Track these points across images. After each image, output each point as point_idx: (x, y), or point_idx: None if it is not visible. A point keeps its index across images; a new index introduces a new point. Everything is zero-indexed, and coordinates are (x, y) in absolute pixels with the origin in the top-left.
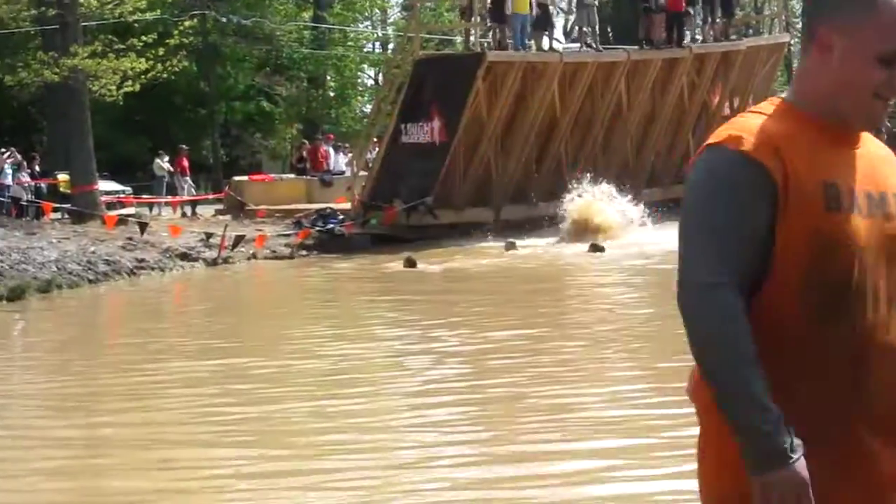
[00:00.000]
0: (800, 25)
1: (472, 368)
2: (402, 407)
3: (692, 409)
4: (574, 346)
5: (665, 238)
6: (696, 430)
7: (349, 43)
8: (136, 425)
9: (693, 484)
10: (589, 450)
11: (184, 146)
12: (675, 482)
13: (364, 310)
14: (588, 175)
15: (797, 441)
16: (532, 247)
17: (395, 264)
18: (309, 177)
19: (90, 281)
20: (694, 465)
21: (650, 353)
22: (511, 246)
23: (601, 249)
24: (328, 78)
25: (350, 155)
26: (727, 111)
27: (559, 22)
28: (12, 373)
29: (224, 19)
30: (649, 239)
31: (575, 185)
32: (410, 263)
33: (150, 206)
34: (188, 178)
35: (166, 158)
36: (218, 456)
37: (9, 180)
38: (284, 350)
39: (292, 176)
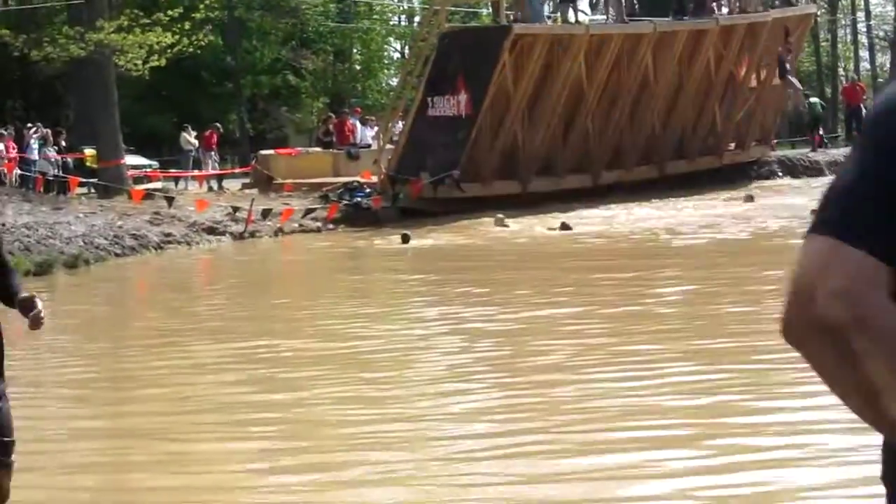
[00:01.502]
0: None
1: (507, 350)
2: (433, 394)
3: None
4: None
5: None
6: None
7: (375, 16)
8: (160, 415)
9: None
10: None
11: (217, 124)
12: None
13: (391, 286)
14: None
15: None
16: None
17: (420, 241)
18: (335, 150)
19: (117, 255)
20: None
21: (685, 334)
22: (500, 222)
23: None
24: (354, 51)
25: (376, 128)
26: (754, 83)
27: None
28: (39, 356)
29: None
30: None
31: None
32: (405, 239)
33: (177, 180)
34: (213, 152)
35: (193, 133)
36: (244, 449)
37: (35, 155)
38: (310, 331)
39: (318, 149)
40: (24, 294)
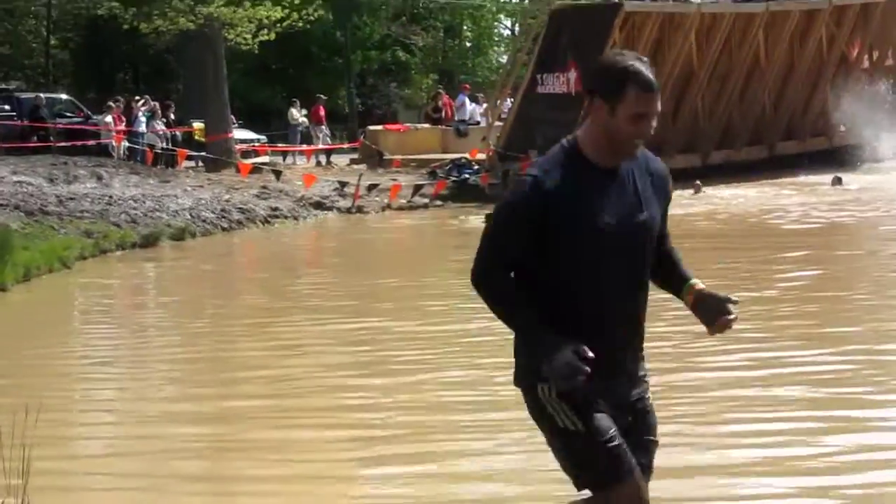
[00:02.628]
0: None
1: None
2: None
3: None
4: None
5: None
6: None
7: None
8: (261, 398)
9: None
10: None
11: (322, 96)
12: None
13: None
14: None
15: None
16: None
17: None
18: (444, 126)
19: (223, 229)
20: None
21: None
22: None
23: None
24: (464, 28)
25: (485, 105)
26: (866, 64)
27: None
28: (145, 333)
29: None
30: None
31: None
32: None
33: (285, 154)
34: (324, 126)
35: (301, 108)
36: (345, 437)
37: (143, 128)
38: (416, 313)
39: (427, 125)
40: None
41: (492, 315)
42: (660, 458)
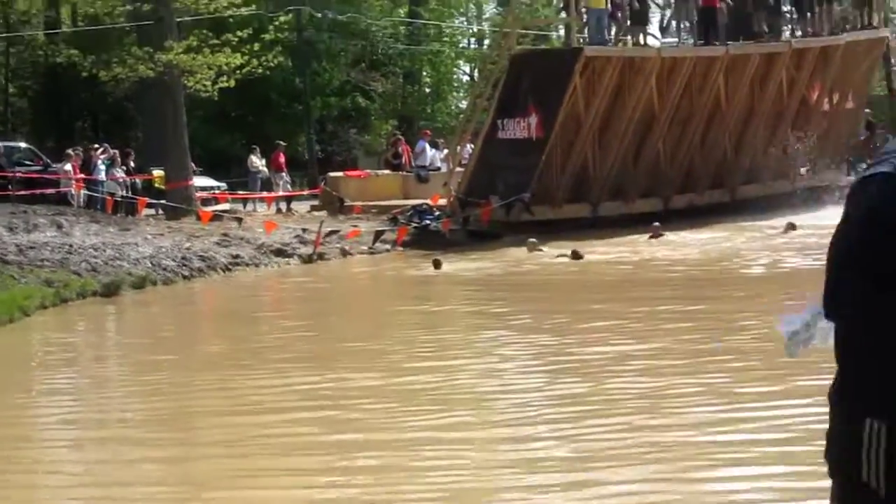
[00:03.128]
0: None
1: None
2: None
3: None
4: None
5: None
6: None
7: (444, 39)
8: (226, 457)
9: None
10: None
11: (281, 142)
12: None
13: (463, 314)
14: None
15: None
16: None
17: (489, 262)
18: (404, 172)
19: (185, 277)
20: None
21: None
22: (533, 247)
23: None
24: (423, 74)
25: (446, 150)
26: (826, 107)
27: (655, 17)
28: (106, 389)
29: (319, 15)
30: None
31: None
32: (437, 265)
33: (245, 201)
34: (284, 173)
35: (261, 155)
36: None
37: (103, 176)
38: (381, 364)
39: (388, 172)
40: None
41: (451, 366)
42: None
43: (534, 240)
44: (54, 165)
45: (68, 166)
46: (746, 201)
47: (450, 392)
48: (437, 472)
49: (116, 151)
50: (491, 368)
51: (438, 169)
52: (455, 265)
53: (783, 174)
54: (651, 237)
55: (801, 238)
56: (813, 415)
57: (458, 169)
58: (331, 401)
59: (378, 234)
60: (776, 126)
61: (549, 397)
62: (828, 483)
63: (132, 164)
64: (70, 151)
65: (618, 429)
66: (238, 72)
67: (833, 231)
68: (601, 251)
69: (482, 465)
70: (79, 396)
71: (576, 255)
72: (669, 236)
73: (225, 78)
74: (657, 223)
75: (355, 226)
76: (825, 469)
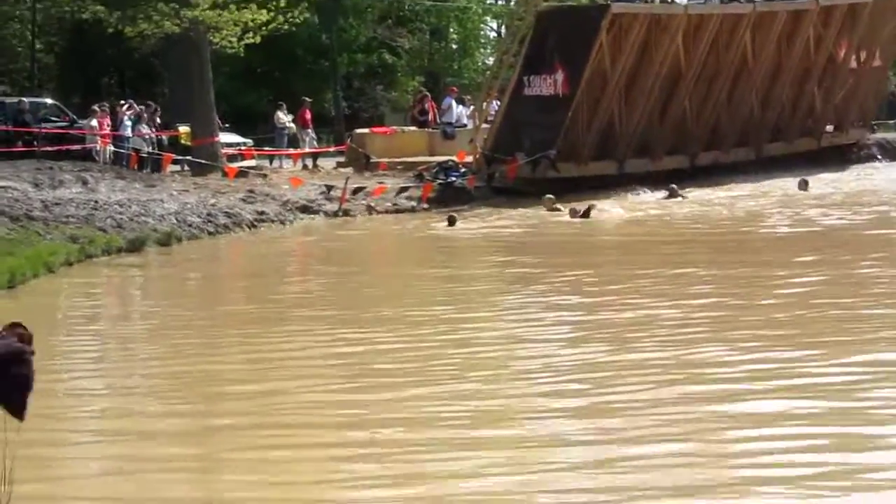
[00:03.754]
0: None
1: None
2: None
3: None
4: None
5: None
6: None
7: None
8: (249, 414)
9: None
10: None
11: (307, 98)
12: None
13: (484, 276)
14: None
15: None
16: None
17: (507, 220)
18: (431, 129)
19: (210, 233)
20: None
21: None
22: (551, 204)
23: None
24: (450, 30)
25: (472, 107)
26: (854, 65)
27: None
28: (130, 345)
29: None
30: None
31: None
32: (451, 221)
33: (271, 158)
34: (310, 130)
35: (287, 111)
36: (326, 457)
37: (128, 132)
38: (402, 324)
39: (414, 128)
40: None
41: (478, 324)
42: (660, 477)
43: (551, 196)
44: (80, 122)
45: (94, 122)
46: (772, 159)
47: (469, 358)
48: (462, 427)
49: (143, 107)
50: (513, 334)
51: (465, 126)
52: (470, 223)
53: (809, 132)
54: (668, 196)
55: (824, 196)
56: (841, 372)
57: (485, 126)
58: (349, 358)
59: (402, 190)
60: (803, 83)
61: (571, 364)
62: (863, 451)
63: (158, 120)
64: (96, 107)
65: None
66: (264, 28)
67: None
68: (620, 208)
69: (507, 418)
70: (104, 353)
71: (582, 213)
72: (695, 192)
73: (251, 34)
74: (673, 185)
75: (381, 182)
76: (858, 437)
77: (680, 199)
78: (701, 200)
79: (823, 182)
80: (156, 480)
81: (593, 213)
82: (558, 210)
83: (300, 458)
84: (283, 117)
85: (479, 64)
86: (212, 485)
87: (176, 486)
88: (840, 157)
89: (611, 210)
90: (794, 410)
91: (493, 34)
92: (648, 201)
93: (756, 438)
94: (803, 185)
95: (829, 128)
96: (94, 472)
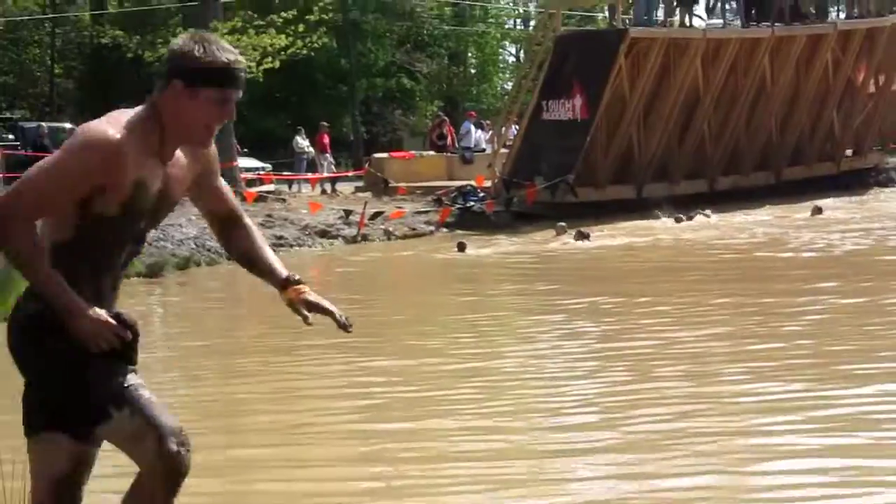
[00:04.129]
0: None
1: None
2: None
3: None
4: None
5: None
6: None
7: (490, 19)
8: (272, 446)
9: None
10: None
11: (324, 123)
12: None
13: (507, 298)
14: None
15: None
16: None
17: (539, 242)
18: (449, 154)
19: (228, 258)
20: None
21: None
22: (562, 231)
23: (587, 237)
24: (469, 54)
25: (491, 132)
26: (872, 88)
27: None
28: (150, 372)
29: None
30: None
31: None
32: (461, 248)
33: (290, 182)
34: (329, 154)
35: (306, 136)
36: (348, 490)
37: None
38: (422, 350)
39: (433, 153)
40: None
41: (496, 351)
42: None
43: (563, 224)
44: None
45: None
46: (791, 183)
47: (493, 379)
48: (483, 460)
49: None
50: (535, 354)
51: (483, 150)
52: (483, 248)
53: (828, 156)
54: (677, 221)
55: (843, 221)
56: (866, 402)
57: (503, 150)
58: (370, 387)
59: (420, 213)
60: (822, 107)
61: (594, 385)
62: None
63: None
64: None
65: (665, 417)
66: (283, 53)
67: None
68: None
69: (529, 454)
70: None
71: (581, 236)
72: (713, 217)
73: (270, 59)
74: (680, 215)
75: (400, 207)
76: (877, 458)
77: (691, 221)
78: (718, 225)
79: (842, 206)
80: None
81: (607, 238)
82: (566, 234)
83: (320, 492)
84: (302, 142)
85: (498, 88)
86: None
87: None
88: (859, 181)
89: (618, 236)
90: (823, 443)
91: (511, 59)
92: (659, 227)
93: (783, 472)
94: (817, 212)
95: (849, 152)
96: None
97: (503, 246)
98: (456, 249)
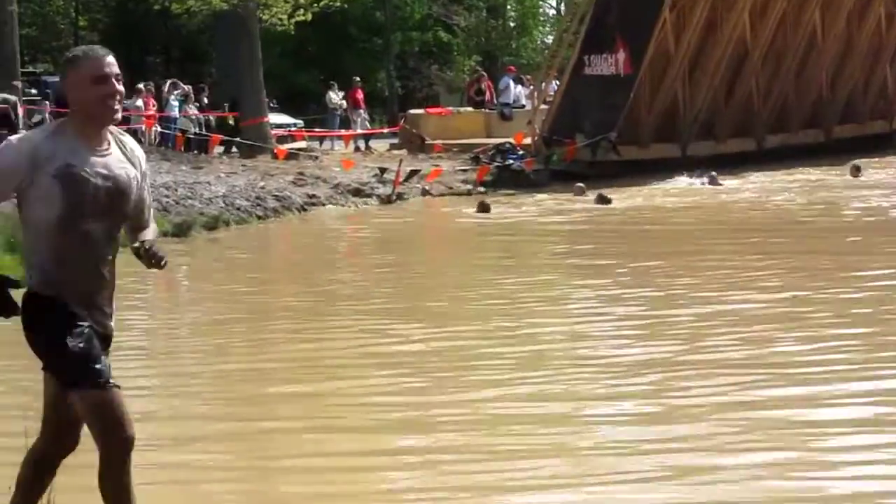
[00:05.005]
0: None
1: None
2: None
3: None
4: None
5: None
6: None
7: None
8: (301, 418)
9: None
10: None
11: (357, 78)
12: None
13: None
14: None
15: None
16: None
17: (579, 204)
18: (487, 110)
19: (258, 217)
20: None
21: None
22: (580, 191)
23: (608, 201)
24: (508, 7)
25: (531, 87)
26: None
27: None
28: (178, 340)
29: None
30: None
31: None
32: (484, 208)
33: (322, 139)
34: (363, 110)
35: (339, 91)
36: (379, 465)
37: (175, 112)
38: (457, 319)
39: (470, 109)
40: None
41: (538, 319)
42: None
43: (581, 185)
44: (125, 101)
45: (139, 102)
46: (842, 141)
47: (530, 356)
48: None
49: (190, 87)
50: (575, 330)
51: (523, 106)
52: (511, 209)
53: (881, 113)
54: (709, 184)
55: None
56: None
57: (543, 106)
58: (409, 357)
59: (458, 173)
60: (874, 62)
61: (639, 363)
62: None
63: (206, 100)
64: (141, 86)
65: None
66: (315, 5)
67: None
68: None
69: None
70: (152, 348)
71: (602, 200)
72: (758, 176)
73: (302, 11)
74: (713, 172)
75: (436, 165)
76: None
77: (721, 186)
78: (764, 186)
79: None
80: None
81: (641, 199)
82: (584, 195)
83: (353, 466)
84: (335, 97)
85: (538, 42)
86: (262, 496)
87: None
88: None
89: (657, 197)
90: (881, 417)
91: (552, 11)
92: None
93: (842, 449)
94: (855, 172)
95: None
96: (139, 480)
97: (527, 206)
98: (476, 210)
